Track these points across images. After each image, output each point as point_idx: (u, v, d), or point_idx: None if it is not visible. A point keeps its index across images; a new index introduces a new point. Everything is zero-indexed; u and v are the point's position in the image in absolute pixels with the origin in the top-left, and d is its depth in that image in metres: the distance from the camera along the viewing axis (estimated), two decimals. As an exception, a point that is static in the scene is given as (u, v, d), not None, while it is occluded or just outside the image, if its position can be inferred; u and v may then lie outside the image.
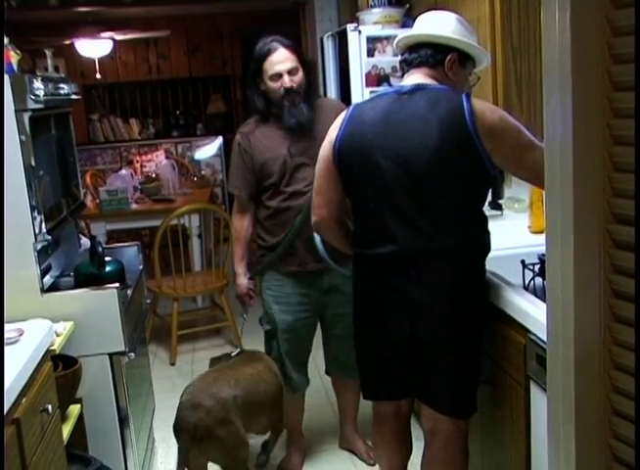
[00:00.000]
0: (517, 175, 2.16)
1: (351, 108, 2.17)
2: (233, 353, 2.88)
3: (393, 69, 3.49)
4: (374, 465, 3.02)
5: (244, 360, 2.76)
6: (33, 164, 2.35)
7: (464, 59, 2.10)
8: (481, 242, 2.12)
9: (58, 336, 2.27)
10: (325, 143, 2.18)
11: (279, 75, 2.63)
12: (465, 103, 1.94)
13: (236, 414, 2.46)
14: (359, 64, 3.65)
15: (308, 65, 2.76)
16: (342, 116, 2.15)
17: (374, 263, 2.13)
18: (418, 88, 2.04)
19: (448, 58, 2.06)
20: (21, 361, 1.85)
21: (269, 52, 2.63)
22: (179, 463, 2.45)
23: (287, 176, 2.68)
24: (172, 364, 4.29)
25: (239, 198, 2.83)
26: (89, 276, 2.62)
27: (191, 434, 2.39)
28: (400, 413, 2.36)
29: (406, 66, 2.13)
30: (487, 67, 2.28)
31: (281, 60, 2.63)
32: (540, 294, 2.07)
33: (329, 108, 2.71)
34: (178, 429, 2.46)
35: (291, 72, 2.63)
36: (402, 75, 2.16)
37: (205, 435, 2.40)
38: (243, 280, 2.91)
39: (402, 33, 2.18)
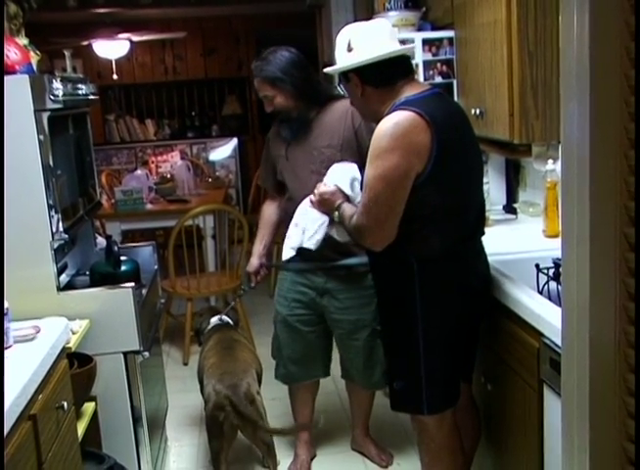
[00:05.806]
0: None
1: (419, 110, 1.95)
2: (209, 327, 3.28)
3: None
4: (386, 467, 3.03)
5: (233, 345, 3.08)
6: (51, 163, 2.38)
7: None
8: None
9: (74, 334, 2.29)
10: (404, 157, 1.94)
11: (264, 97, 2.70)
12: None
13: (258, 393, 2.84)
14: (375, 66, 3.65)
15: (296, 82, 2.62)
16: (414, 119, 1.94)
17: (464, 256, 2.17)
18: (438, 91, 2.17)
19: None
20: (37, 358, 1.88)
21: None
22: (217, 437, 2.74)
23: (285, 178, 2.80)
24: (185, 364, 4.31)
25: (266, 189, 3.07)
26: (105, 275, 2.64)
27: (241, 398, 2.69)
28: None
29: (402, 76, 2.09)
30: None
31: (257, 88, 2.70)
32: (554, 298, 2.07)
33: (341, 111, 2.67)
34: (229, 399, 2.69)
35: (266, 98, 2.67)
36: (387, 82, 2.08)
37: (252, 399, 2.72)
38: (255, 261, 3.03)
39: (398, 48, 2.11)
